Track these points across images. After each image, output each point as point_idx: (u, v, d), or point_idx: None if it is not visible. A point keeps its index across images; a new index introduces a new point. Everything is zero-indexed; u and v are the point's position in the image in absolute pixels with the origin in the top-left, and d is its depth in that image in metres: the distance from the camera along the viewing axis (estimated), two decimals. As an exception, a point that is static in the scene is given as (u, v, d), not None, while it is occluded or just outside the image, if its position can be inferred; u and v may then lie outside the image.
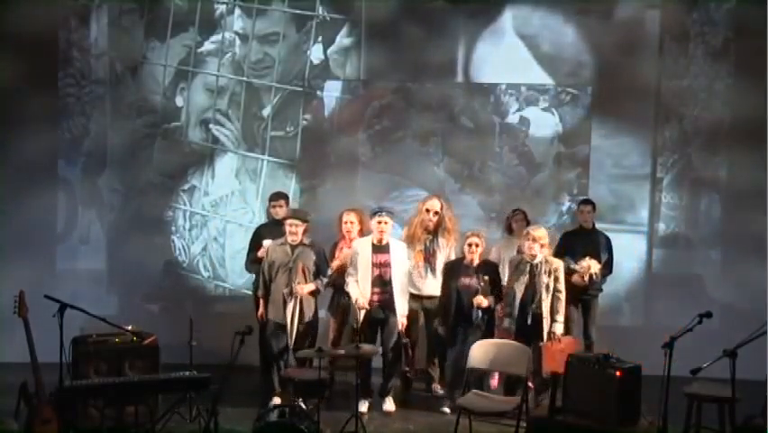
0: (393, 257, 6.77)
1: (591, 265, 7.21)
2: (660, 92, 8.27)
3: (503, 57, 8.30)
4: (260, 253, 7.10)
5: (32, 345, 5.68)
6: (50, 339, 5.25)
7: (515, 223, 7.46)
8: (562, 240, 7.48)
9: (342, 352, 6.18)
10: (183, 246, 8.44)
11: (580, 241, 7.40)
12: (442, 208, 7.09)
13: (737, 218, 8.14)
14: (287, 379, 6.56)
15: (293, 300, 6.69)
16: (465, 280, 6.71)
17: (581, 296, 7.35)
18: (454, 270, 6.81)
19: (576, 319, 7.40)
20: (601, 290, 7.53)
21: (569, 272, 7.21)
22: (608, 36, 8.24)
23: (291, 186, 8.38)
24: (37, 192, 8.17)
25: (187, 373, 5.82)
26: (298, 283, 6.71)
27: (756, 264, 7.82)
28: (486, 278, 6.63)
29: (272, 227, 7.32)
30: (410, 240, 7.07)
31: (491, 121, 8.34)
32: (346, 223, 7.20)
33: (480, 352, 6.22)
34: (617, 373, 5.47)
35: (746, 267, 7.97)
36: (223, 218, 8.40)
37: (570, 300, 7.22)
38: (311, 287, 6.78)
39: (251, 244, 7.40)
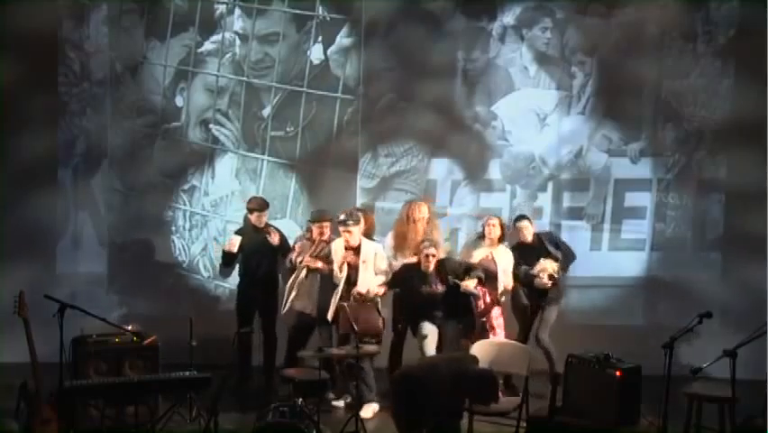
0: None
1: (546, 266, 7.22)
2: (661, 92, 8.26)
3: (503, 57, 8.29)
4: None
5: (32, 345, 5.68)
6: (50, 339, 5.26)
7: (487, 228, 7.25)
8: (514, 252, 7.37)
9: (342, 352, 6.18)
10: (183, 246, 8.43)
11: (528, 252, 7.36)
12: (429, 212, 7.13)
13: (738, 219, 8.12)
14: (287, 379, 6.55)
15: None
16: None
17: (541, 302, 7.32)
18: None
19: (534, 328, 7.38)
20: (561, 296, 7.46)
21: (530, 279, 7.24)
22: (608, 36, 8.23)
23: (291, 186, 8.38)
24: (37, 192, 8.15)
25: (187, 373, 5.82)
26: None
27: (756, 265, 7.80)
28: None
29: None
30: (403, 249, 7.02)
31: (491, 120, 8.33)
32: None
33: (480, 352, 6.21)
34: (617, 373, 5.47)
35: (746, 267, 7.96)
36: (223, 218, 8.39)
37: (533, 309, 7.36)
38: None
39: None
